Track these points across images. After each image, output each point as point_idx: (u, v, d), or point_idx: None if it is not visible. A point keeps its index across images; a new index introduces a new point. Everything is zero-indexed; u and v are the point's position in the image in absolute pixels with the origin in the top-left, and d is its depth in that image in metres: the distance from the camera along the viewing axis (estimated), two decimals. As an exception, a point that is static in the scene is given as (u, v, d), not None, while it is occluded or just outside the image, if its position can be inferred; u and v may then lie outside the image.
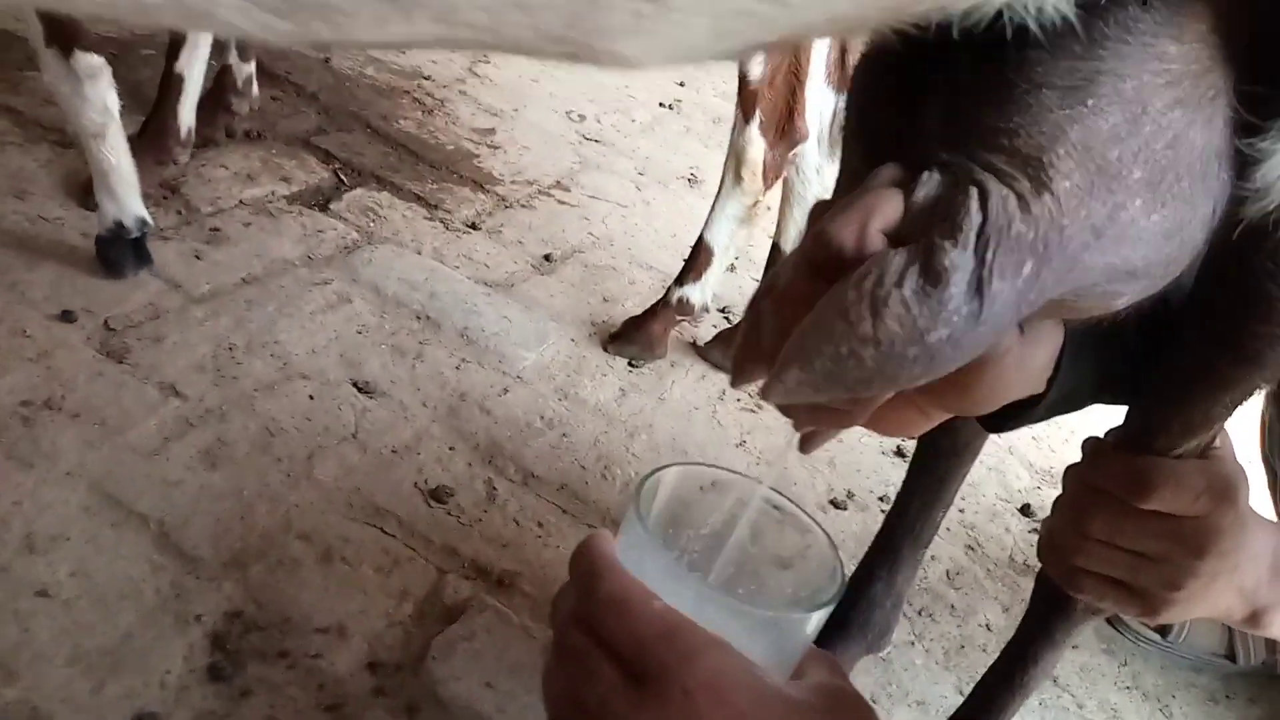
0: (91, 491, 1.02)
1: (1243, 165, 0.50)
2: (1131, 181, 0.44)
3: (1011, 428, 0.74)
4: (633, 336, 1.52)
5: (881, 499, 1.40)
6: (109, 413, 1.11)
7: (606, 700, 0.47)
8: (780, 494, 0.63)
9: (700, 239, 1.50)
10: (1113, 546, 0.67)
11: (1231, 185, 0.50)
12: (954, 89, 0.46)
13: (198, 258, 1.41)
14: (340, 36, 0.28)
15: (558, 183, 2.01)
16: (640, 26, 0.29)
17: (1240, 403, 0.64)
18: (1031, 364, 0.67)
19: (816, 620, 0.54)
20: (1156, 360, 0.65)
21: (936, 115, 0.47)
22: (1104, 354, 0.69)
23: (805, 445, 0.63)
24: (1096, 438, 0.70)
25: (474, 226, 1.74)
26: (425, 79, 2.25)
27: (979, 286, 0.43)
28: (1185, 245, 0.49)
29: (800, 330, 0.46)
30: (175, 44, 1.49)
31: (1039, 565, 0.83)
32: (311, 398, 1.23)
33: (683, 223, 1.94)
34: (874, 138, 0.52)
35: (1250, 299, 0.57)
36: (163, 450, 1.09)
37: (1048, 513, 0.74)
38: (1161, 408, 0.65)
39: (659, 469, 0.58)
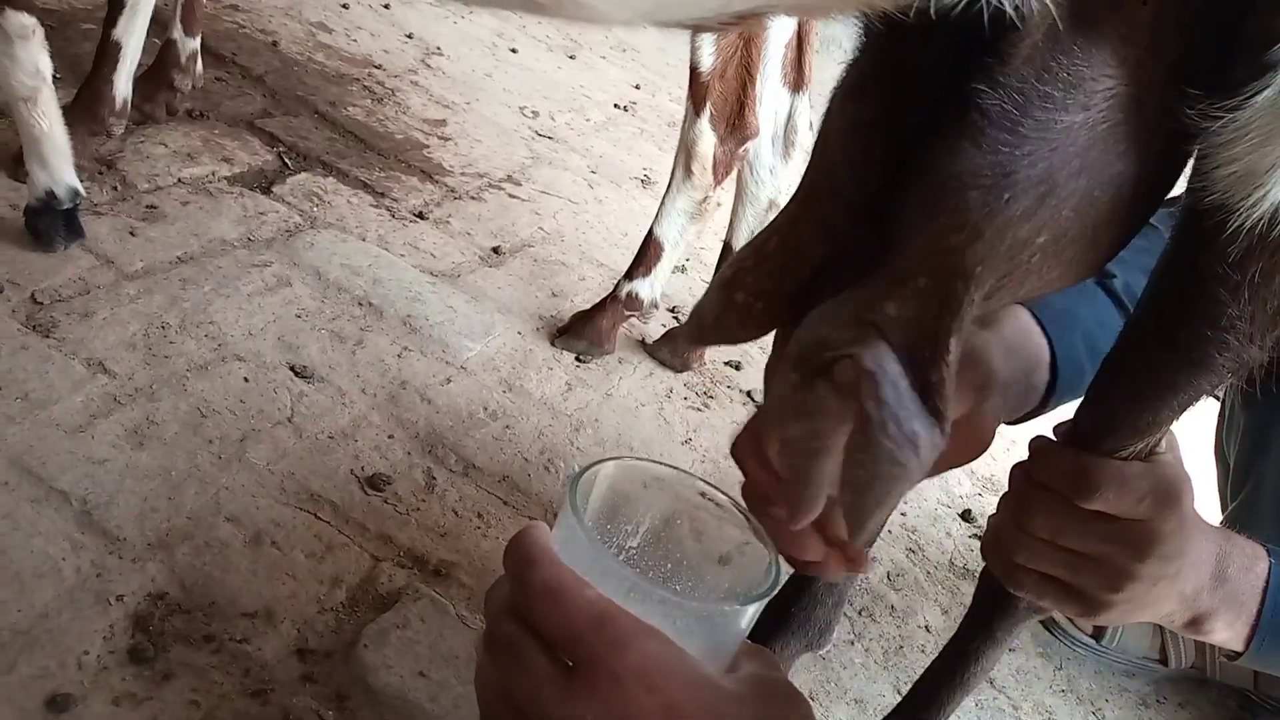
0: (10, 466, 0.97)
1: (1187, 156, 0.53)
2: (1034, 245, 0.49)
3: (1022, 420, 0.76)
4: (581, 331, 1.51)
5: (825, 499, 1.40)
6: (32, 387, 1.07)
7: (537, 690, 0.47)
8: (717, 489, 0.62)
9: (650, 233, 1.49)
10: (1054, 545, 0.67)
11: (1159, 196, 0.55)
12: (904, 186, 0.51)
13: (132, 234, 1.37)
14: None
15: (509, 177, 1.99)
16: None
17: (1188, 406, 0.64)
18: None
19: (750, 613, 0.54)
20: (1106, 361, 0.66)
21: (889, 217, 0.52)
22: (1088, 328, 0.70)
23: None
24: (1044, 436, 0.70)
25: (421, 216, 1.72)
26: (376, 68, 2.21)
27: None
28: (1087, 266, 0.55)
29: (850, 503, 0.52)
30: (114, 10, 1.44)
31: (979, 569, 0.84)
32: (246, 380, 1.20)
33: (634, 222, 1.94)
34: (841, 177, 0.55)
35: (1199, 303, 0.57)
36: (88, 427, 1.05)
37: (988, 518, 0.74)
38: (1109, 408, 0.65)
39: (596, 462, 0.58)
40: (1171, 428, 0.67)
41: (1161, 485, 0.64)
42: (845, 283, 0.57)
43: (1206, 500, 1.27)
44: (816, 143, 0.57)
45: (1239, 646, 0.73)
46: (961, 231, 0.48)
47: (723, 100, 1.34)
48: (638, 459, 0.62)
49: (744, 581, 0.59)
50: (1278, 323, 0.57)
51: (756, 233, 0.63)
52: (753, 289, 0.58)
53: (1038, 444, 0.69)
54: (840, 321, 0.52)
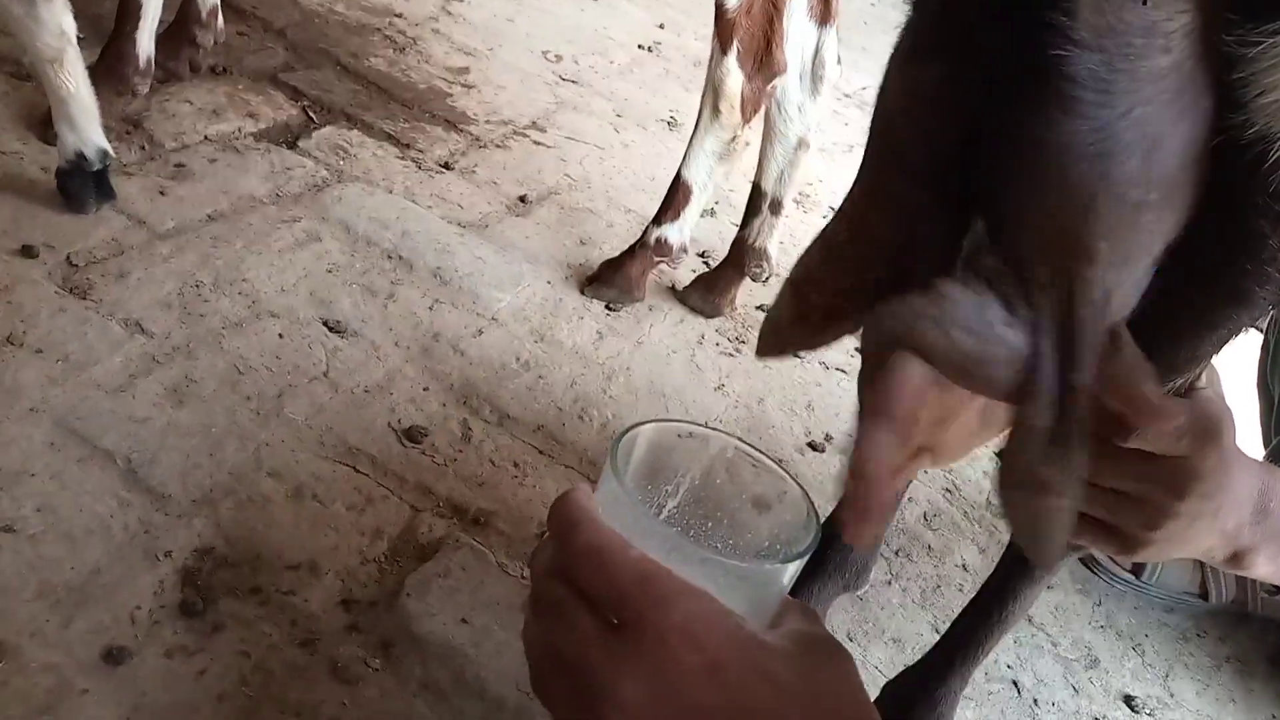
0: (56, 427, 0.99)
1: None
2: (1148, 204, 0.46)
3: None
4: (610, 279, 1.50)
5: (859, 441, 1.39)
6: (72, 349, 1.09)
7: (584, 649, 0.47)
8: (753, 447, 0.62)
9: (678, 176, 1.47)
10: (1092, 484, 0.66)
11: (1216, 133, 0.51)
12: (997, 174, 0.47)
13: (162, 193, 1.37)
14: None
15: (533, 123, 1.97)
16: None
17: (1227, 341, 0.62)
18: None
19: (792, 571, 0.54)
20: (1143, 299, 0.64)
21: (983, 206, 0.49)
22: None
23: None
24: None
25: (447, 166, 1.71)
26: (397, 16, 2.19)
27: None
28: (1192, 210, 0.51)
29: None
30: (133, -31, 1.43)
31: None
32: (281, 336, 1.21)
33: (661, 166, 1.91)
34: (908, 158, 0.52)
35: (1239, 236, 0.55)
36: (129, 387, 1.07)
37: None
38: (1146, 346, 0.64)
39: (635, 425, 0.58)
40: (1212, 362, 0.66)
41: (1201, 422, 0.63)
42: (925, 270, 0.54)
43: (1248, 435, 1.26)
44: (875, 116, 0.53)
45: None
46: (1076, 210, 0.45)
47: (749, 37, 1.31)
48: (676, 420, 0.62)
49: (785, 532, 0.60)
50: None
51: (826, 224, 0.60)
52: (828, 287, 0.56)
53: None
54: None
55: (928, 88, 0.49)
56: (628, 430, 0.57)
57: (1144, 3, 0.43)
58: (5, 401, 1.00)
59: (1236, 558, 0.69)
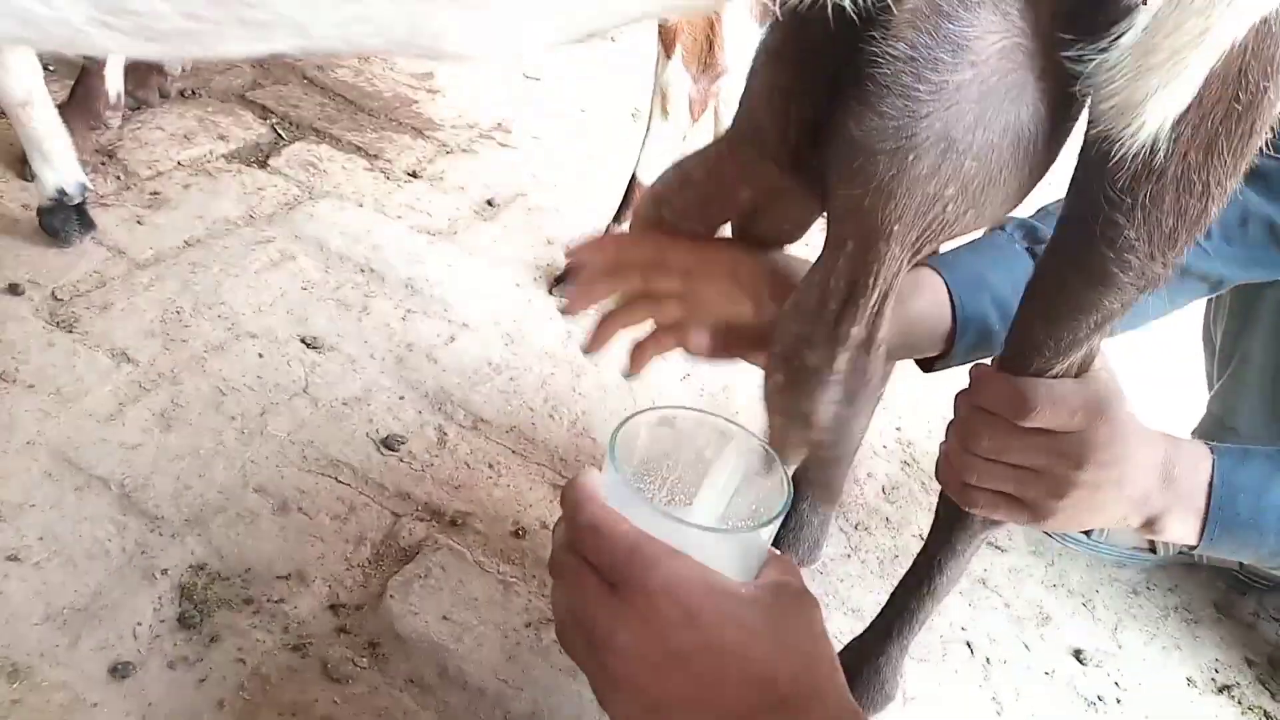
0: (52, 459, 1.06)
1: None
2: (945, 197, 0.55)
3: (939, 368, 0.80)
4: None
5: (820, 421, 1.46)
6: (63, 381, 1.15)
7: (591, 607, 0.57)
8: (735, 423, 0.69)
9: (633, 177, 1.53)
10: (1000, 463, 0.73)
11: (1056, 141, 0.60)
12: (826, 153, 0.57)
13: (139, 223, 1.43)
14: (209, 54, 0.32)
15: (499, 125, 2.02)
16: (474, 29, 0.33)
17: (1104, 324, 0.69)
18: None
19: (766, 533, 0.62)
20: (1027, 288, 0.71)
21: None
22: (1000, 291, 0.74)
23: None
24: (982, 363, 0.76)
25: (415, 175, 1.76)
26: (360, 25, 2.23)
27: None
28: (1001, 205, 0.60)
29: None
30: (99, 8, 1.48)
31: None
32: (261, 355, 1.27)
33: (624, 160, 1.96)
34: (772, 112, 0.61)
35: (1099, 227, 0.62)
36: (119, 415, 1.13)
37: (939, 445, 0.80)
38: (1033, 332, 0.70)
39: (634, 414, 0.66)
40: (1100, 346, 0.73)
41: (1092, 398, 0.70)
42: (777, 222, 0.69)
43: (1194, 387, 1.33)
44: (743, 96, 0.63)
45: (1192, 540, 0.79)
46: (873, 194, 0.54)
47: (692, 40, 1.37)
48: (670, 407, 0.70)
49: (763, 500, 0.67)
50: (1175, 242, 0.62)
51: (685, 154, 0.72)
52: (678, 209, 0.69)
53: (977, 372, 0.75)
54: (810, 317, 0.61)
55: (780, 85, 0.59)
56: (627, 419, 0.65)
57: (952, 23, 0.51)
58: (3, 437, 1.06)
59: (1149, 523, 0.75)
